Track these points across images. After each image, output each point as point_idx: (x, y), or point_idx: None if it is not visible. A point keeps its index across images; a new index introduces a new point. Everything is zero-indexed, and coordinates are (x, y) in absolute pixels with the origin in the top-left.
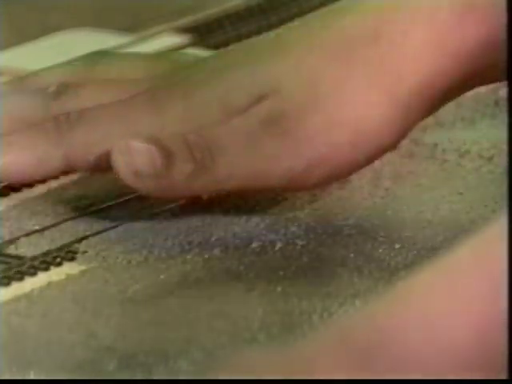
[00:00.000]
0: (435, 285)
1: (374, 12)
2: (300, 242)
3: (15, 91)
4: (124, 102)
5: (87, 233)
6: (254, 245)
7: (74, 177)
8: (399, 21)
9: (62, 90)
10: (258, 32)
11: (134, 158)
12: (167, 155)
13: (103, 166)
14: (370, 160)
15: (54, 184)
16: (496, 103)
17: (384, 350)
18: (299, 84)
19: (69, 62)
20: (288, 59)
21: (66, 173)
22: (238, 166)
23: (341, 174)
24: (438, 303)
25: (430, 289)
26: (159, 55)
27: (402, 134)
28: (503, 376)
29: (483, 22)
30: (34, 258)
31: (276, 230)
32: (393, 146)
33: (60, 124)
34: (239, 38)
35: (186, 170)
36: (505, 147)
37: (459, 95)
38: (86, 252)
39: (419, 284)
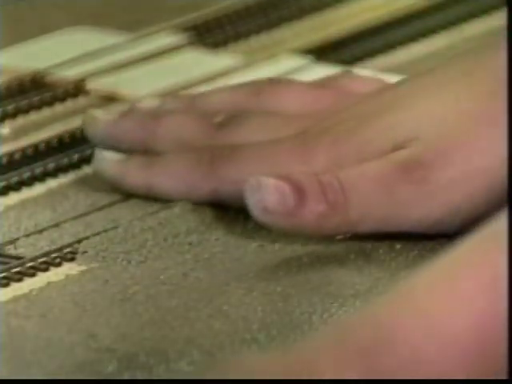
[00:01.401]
0: (436, 283)
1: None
2: (300, 242)
3: (184, 110)
4: (275, 142)
5: (87, 233)
6: (254, 245)
7: (73, 176)
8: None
9: (226, 122)
10: (257, 31)
11: (264, 194)
12: (299, 194)
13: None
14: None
15: (53, 184)
16: None
17: (385, 348)
18: (437, 133)
19: (235, 87)
20: (427, 108)
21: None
22: (371, 209)
23: (475, 223)
24: (439, 301)
25: (431, 287)
26: (325, 83)
27: None
28: (503, 375)
29: None
30: (33, 259)
31: (276, 230)
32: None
33: (214, 157)
34: (238, 37)
35: (318, 210)
36: None
37: None
38: (85, 252)
39: (420, 282)
